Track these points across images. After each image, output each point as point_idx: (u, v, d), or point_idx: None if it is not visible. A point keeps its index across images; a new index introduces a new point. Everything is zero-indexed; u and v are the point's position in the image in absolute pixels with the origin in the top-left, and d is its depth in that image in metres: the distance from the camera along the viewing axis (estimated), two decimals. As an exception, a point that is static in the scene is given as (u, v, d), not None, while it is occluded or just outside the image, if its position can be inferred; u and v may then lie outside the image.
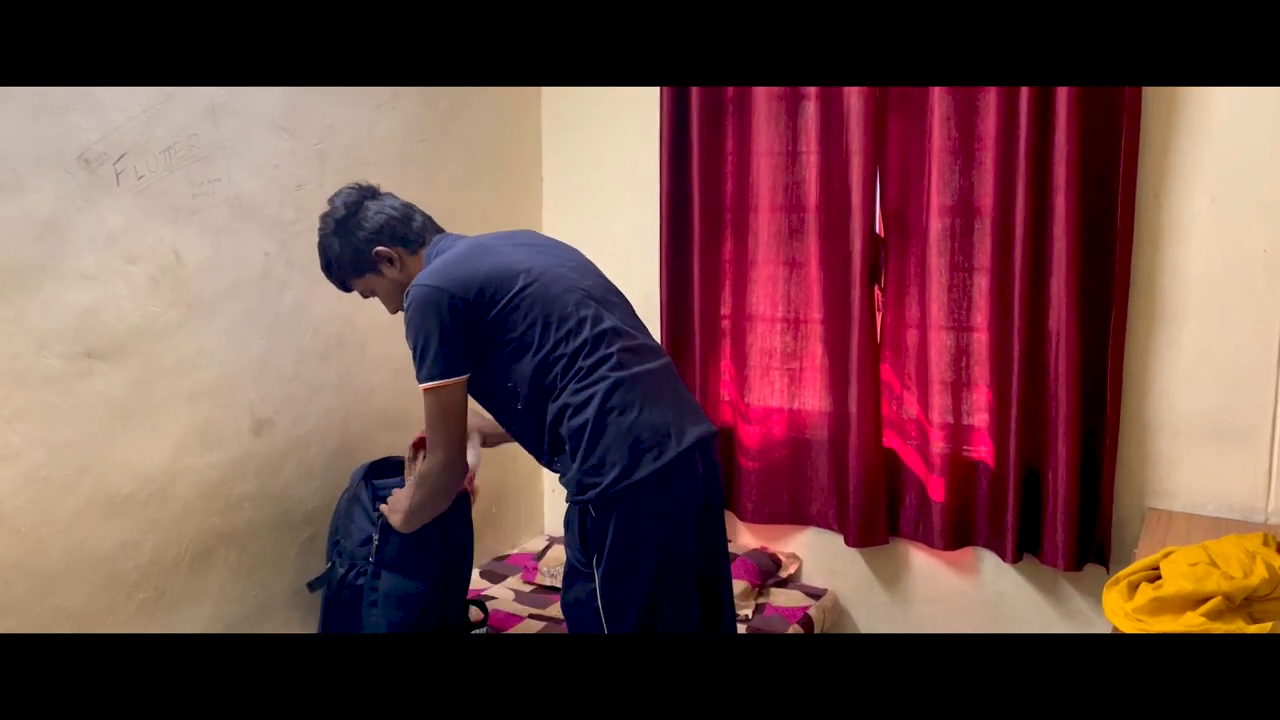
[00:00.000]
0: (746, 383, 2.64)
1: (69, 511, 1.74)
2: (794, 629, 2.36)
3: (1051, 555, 2.27)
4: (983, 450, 2.38)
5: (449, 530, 2.06)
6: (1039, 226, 2.20)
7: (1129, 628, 1.57)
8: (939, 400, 2.40)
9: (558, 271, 1.76)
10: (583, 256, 1.87)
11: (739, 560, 2.51)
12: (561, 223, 2.85)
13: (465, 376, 1.72)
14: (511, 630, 2.34)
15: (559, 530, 2.92)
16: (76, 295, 1.72)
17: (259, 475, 2.09)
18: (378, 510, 2.07)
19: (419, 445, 2.04)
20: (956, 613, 2.51)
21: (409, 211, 1.87)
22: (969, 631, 2.49)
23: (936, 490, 2.42)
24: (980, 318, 2.33)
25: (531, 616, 2.40)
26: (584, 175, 2.85)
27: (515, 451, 2.89)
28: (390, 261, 1.84)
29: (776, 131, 2.52)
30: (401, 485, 2.08)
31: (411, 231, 1.84)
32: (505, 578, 2.65)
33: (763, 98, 2.51)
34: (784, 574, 2.62)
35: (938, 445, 2.41)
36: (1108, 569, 2.26)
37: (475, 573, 2.55)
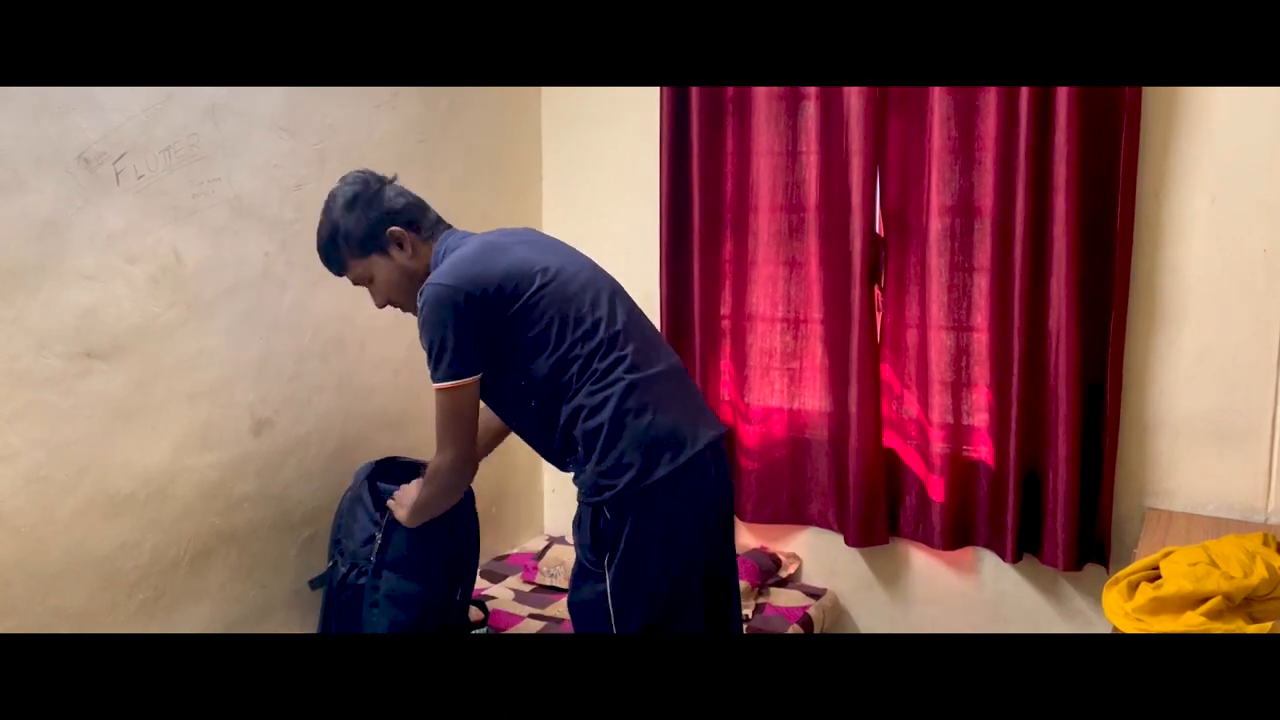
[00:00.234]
0: (746, 382, 2.64)
1: (69, 511, 1.74)
2: (794, 629, 2.36)
3: (1051, 555, 2.27)
4: (983, 450, 2.38)
5: (455, 531, 2.06)
6: (1039, 226, 2.20)
7: (1129, 627, 1.57)
8: (939, 400, 2.40)
9: (571, 271, 1.75)
10: (586, 256, 1.87)
11: (739, 560, 2.50)
12: (561, 223, 2.85)
13: (478, 376, 1.70)
14: (511, 630, 2.34)
15: (559, 530, 2.93)
16: (76, 295, 1.72)
17: (259, 475, 2.09)
18: (380, 510, 2.07)
19: None
20: (956, 613, 2.51)
21: (424, 203, 1.86)
22: (969, 631, 2.49)
23: (936, 490, 2.42)
24: (980, 318, 2.33)
25: (531, 616, 2.40)
26: (584, 175, 2.85)
27: (515, 452, 2.90)
28: (401, 246, 1.79)
29: (776, 131, 2.52)
30: None
31: (426, 221, 1.83)
32: (505, 577, 2.65)
33: (763, 98, 2.51)
34: (784, 574, 2.62)
35: (938, 445, 2.41)
36: (1108, 569, 2.26)
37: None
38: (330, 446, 2.25)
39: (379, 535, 2.03)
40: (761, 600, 2.48)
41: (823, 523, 2.61)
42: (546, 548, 2.68)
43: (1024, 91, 2.16)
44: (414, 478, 2.14)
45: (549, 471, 3.02)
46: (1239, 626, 1.50)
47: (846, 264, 2.42)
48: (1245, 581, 1.53)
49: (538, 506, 3.04)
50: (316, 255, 2.19)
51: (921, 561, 2.54)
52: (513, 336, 1.70)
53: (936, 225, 2.34)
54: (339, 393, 2.27)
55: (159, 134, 1.83)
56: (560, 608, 2.45)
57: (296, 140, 2.12)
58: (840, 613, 2.63)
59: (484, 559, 2.70)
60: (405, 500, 1.94)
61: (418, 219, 1.81)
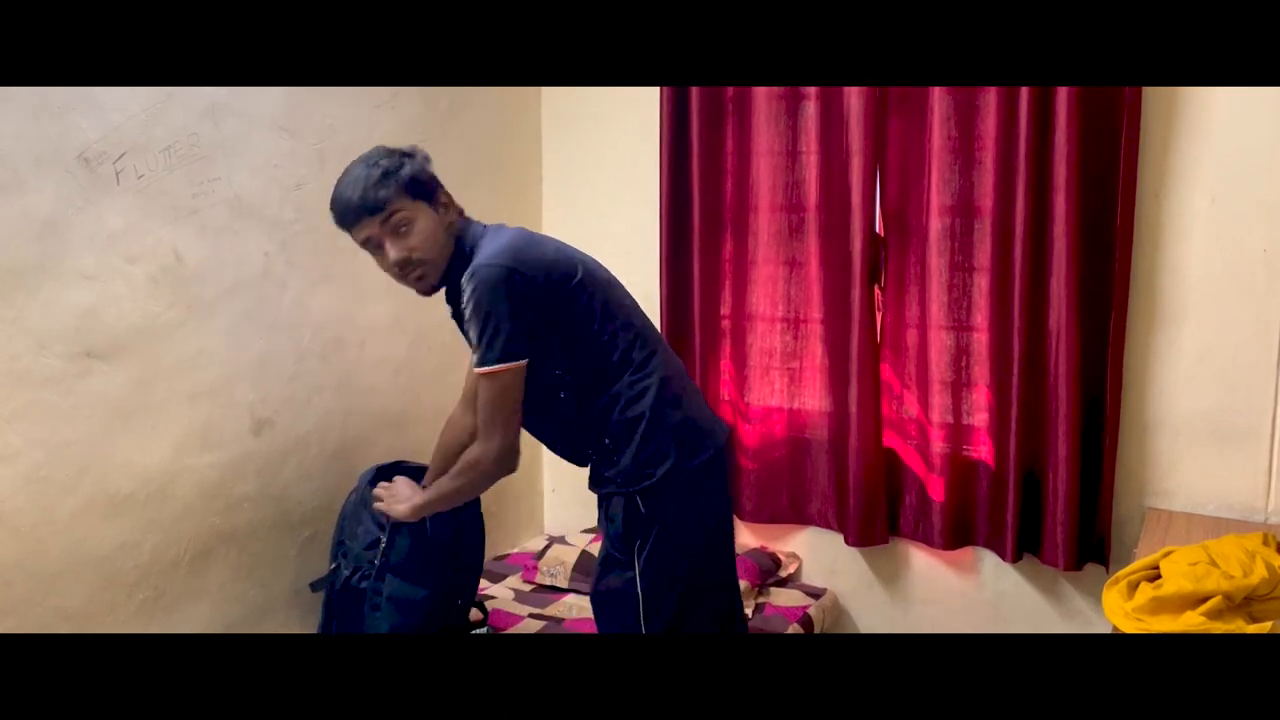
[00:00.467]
0: (746, 382, 2.64)
1: (69, 511, 1.74)
2: (794, 628, 2.36)
3: (1051, 555, 2.27)
4: (983, 450, 2.38)
5: (461, 535, 2.06)
6: (1039, 226, 2.20)
7: (1129, 627, 1.57)
8: (939, 400, 2.40)
9: (593, 263, 1.80)
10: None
11: (739, 559, 2.50)
12: (561, 223, 2.85)
13: (525, 362, 1.67)
14: (511, 630, 2.33)
15: (559, 530, 2.93)
16: (76, 295, 1.72)
17: (259, 475, 2.09)
18: (385, 513, 2.06)
19: None
20: (956, 612, 2.51)
21: None
22: (969, 631, 2.49)
23: (936, 490, 2.42)
24: (980, 317, 2.33)
25: (531, 616, 2.40)
26: (584, 175, 2.85)
27: (515, 451, 2.90)
28: (446, 207, 1.74)
29: (776, 131, 2.52)
30: None
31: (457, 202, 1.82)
32: (505, 577, 2.65)
33: (763, 97, 2.51)
34: (784, 573, 2.62)
35: (938, 445, 2.41)
36: (1107, 568, 2.26)
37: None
38: (330, 446, 2.25)
39: (383, 539, 2.03)
40: (761, 600, 2.47)
41: (823, 522, 2.61)
42: (546, 547, 2.68)
43: (1024, 91, 2.16)
44: (419, 482, 2.14)
45: (549, 471, 3.02)
46: (1239, 626, 1.50)
47: (846, 264, 2.42)
48: (1245, 581, 1.53)
49: (538, 506, 3.04)
50: (314, 254, 2.19)
51: (921, 561, 2.54)
52: (560, 322, 1.70)
53: (936, 225, 2.34)
54: (339, 393, 2.27)
55: (159, 134, 1.83)
56: (560, 607, 2.46)
57: (296, 140, 2.12)
58: (840, 612, 2.63)
59: (484, 559, 2.70)
60: (402, 495, 1.92)
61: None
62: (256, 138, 2.03)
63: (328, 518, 2.20)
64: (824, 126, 2.45)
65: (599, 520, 1.84)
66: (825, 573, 2.66)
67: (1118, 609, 1.61)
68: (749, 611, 2.39)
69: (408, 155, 1.71)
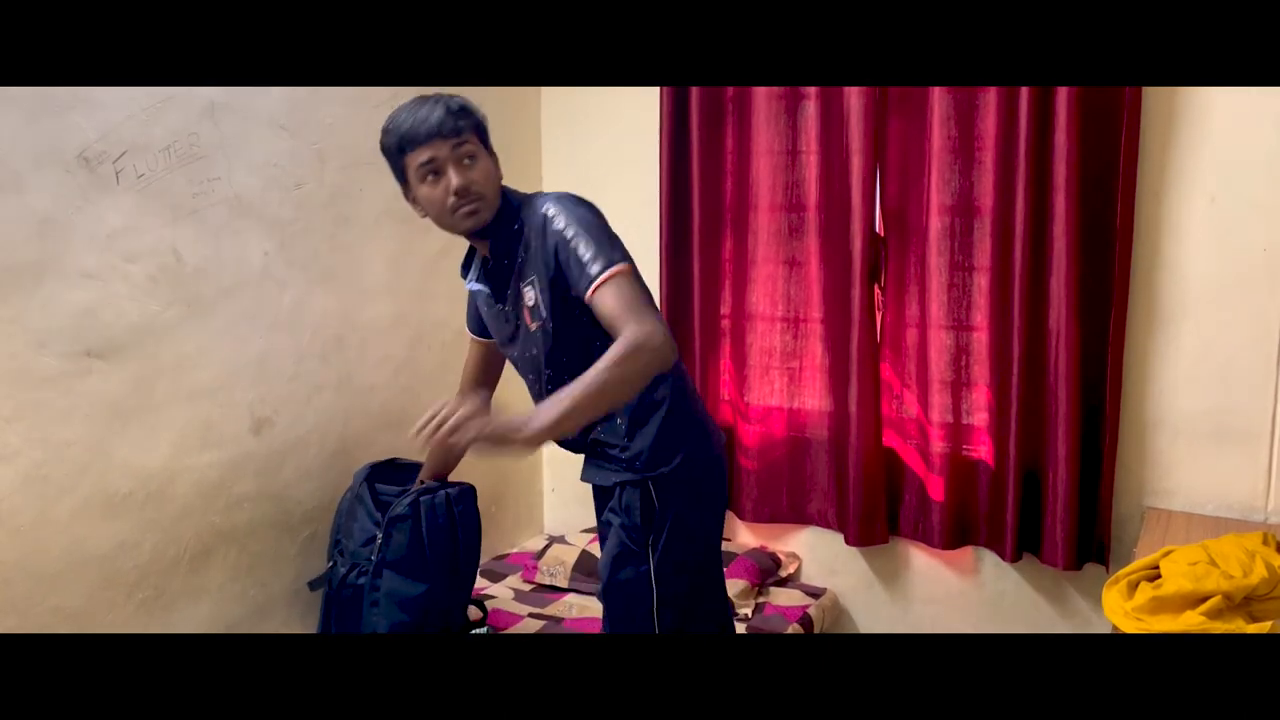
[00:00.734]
0: (746, 382, 2.64)
1: (68, 511, 1.74)
2: (793, 628, 2.36)
3: (1051, 554, 2.27)
4: (982, 449, 2.38)
5: (456, 530, 2.06)
6: (1039, 226, 2.20)
7: (1129, 627, 1.57)
8: (939, 399, 2.40)
9: None
10: None
11: (739, 559, 2.51)
12: (561, 222, 2.84)
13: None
14: (511, 629, 2.33)
15: (558, 530, 2.93)
16: (76, 294, 1.72)
17: (258, 475, 2.09)
18: (380, 510, 2.07)
19: None
20: (956, 612, 2.51)
21: None
22: (969, 631, 2.49)
23: (936, 489, 2.42)
24: (980, 317, 2.33)
25: (531, 616, 2.40)
26: (584, 175, 2.85)
27: (515, 451, 2.90)
28: (498, 163, 1.70)
29: (776, 131, 2.52)
30: (404, 491, 2.09)
31: None
32: (505, 577, 2.65)
33: (762, 97, 2.51)
34: (784, 573, 2.62)
35: (937, 444, 2.41)
36: (1107, 568, 2.26)
37: (475, 572, 2.55)
38: (330, 446, 2.25)
39: (379, 535, 2.03)
40: (761, 600, 2.47)
41: (822, 522, 2.61)
42: (546, 547, 2.68)
43: (1024, 91, 2.16)
44: (414, 479, 2.14)
45: (549, 471, 3.02)
46: (1239, 626, 1.50)
47: (846, 263, 2.42)
48: (1245, 581, 1.53)
49: (537, 506, 3.04)
50: (314, 253, 2.19)
51: (921, 561, 2.54)
52: None
53: (936, 225, 2.34)
54: (339, 392, 2.27)
55: (159, 133, 1.83)
56: (560, 607, 2.46)
57: (296, 140, 2.12)
58: (840, 612, 2.63)
59: (483, 558, 2.70)
60: (495, 420, 1.43)
61: None
62: (256, 137, 2.03)
63: (327, 517, 2.20)
64: (824, 126, 2.45)
65: (602, 514, 1.82)
66: (825, 572, 2.66)
67: (1117, 609, 1.61)
68: (749, 611, 2.39)
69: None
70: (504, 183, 1.71)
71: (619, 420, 1.71)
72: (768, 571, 2.55)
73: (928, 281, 2.37)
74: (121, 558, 1.83)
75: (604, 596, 1.78)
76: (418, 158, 1.62)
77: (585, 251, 1.55)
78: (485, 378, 2.03)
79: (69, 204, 1.70)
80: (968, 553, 2.48)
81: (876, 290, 2.45)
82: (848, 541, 2.53)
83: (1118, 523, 2.26)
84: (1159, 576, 1.63)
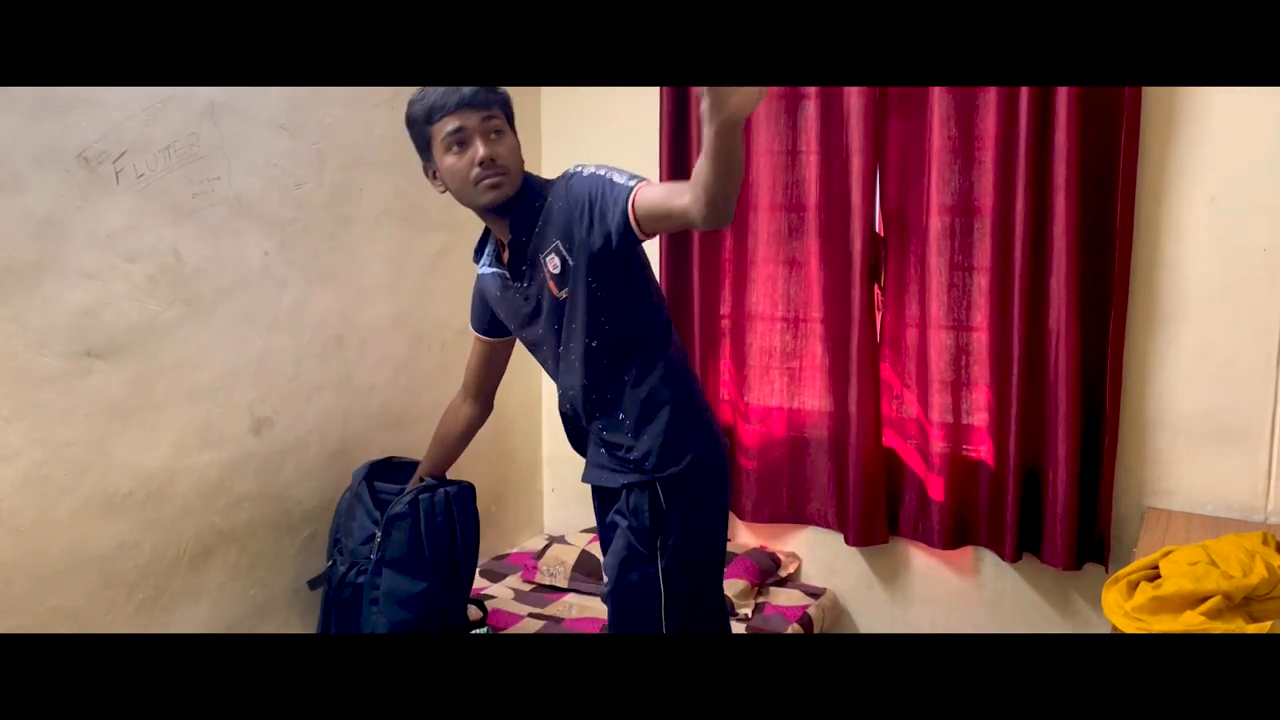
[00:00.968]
0: (746, 382, 2.64)
1: (68, 511, 1.74)
2: (793, 628, 2.36)
3: (1051, 554, 2.27)
4: (982, 449, 2.38)
5: (455, 529, 2.06)
6: (1039, 226, 2.20)
7: (1128, 627, 1.57)
8: (939, 399, 2.40)
9: None
10: None
11: (739, 559, 2.51)
12: (561, 222, 2.84)
13: None
14: (511, 629, 2.34)
15: (558, 530, 2.93)
16: (76, 294, 1.72)
17: (258, 474, 2.09)
18: (379, 509, 2.07)
19: None
20: (956, 612, 2.51)
21: None
22: (969, 631, 2.49)
23: (936, 489, 2.42)
24: (980, 317, 2.33)
25: (531, 616, 2.40)
26: (584, 174, 2.85)
27: (515, 451, 2.90)
28: (520, 147, 1.72)
29: (776, 130, 2.52)
30: (403, 489, 2.09)
31: None
32: (505, 577, 2.65)
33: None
34: (783, 573, 2.62)
35: (937, 444, 2.42)
36: (1107, 568, 2.26)
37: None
38: (330, 445, 2.25)
39: (378, 534, 2.04)
40: (761, 600, 2.48)
41: (822, 522, 2.61)
42: (546, 547, 2.68)
43: (1024, 91, 2.16)
44: (412, 477, 2.15)
45: (548, 471, 3.03)
46: (1238, 626, 1.51)
47: (846, 263, 2.42)
48: (1245, 581, 1.53)
49: (537, 506, 3.04)
50: (314, 253, 2.19)
51: (921, 561, 2.54)
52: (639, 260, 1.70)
53: (936, 225, 2.34)
54: (339, 392, 2.27)
55: (159, 133, 1.83)
56: (560, 607, 2.46)
57: (296, 140, 2.12)
58: (840, 612, 2.63)
59: (483, 558, 2.70)
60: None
61: None
62: (256, 137, 2.03)
63: (327, 517, 2.20)
64: (824, 126, 2.45)
65: (606, 516, 1.81)
66: (825, 572, 2.66)
67: (1117, 609, 1.61)
68: (748, 611, 2.39)
69: None
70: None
71: (623, 418, 1.70)
72: (767, 571, 2.55)
73: (928, 281, 2.37)
74: (121, 558, 1.83)
75: (611, 599, 1.77)
76: (445, 126, 1.63)
77: (619, 178, 1.58)
78: (488, 376, 2.02)
79: (69, 204, 1.70)
80: (967, 553, 2.48)
81: (876, 290, 2.45)
82: (847, 541, 2.53)
83: (1117, 523, 2.26)
84: (1159, 576, 1.64)
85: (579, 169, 1.65)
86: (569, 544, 2.65)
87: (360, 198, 2.29)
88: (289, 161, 2.10)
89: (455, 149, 1.63)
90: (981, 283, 2.32)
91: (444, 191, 1.71)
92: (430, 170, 1.71)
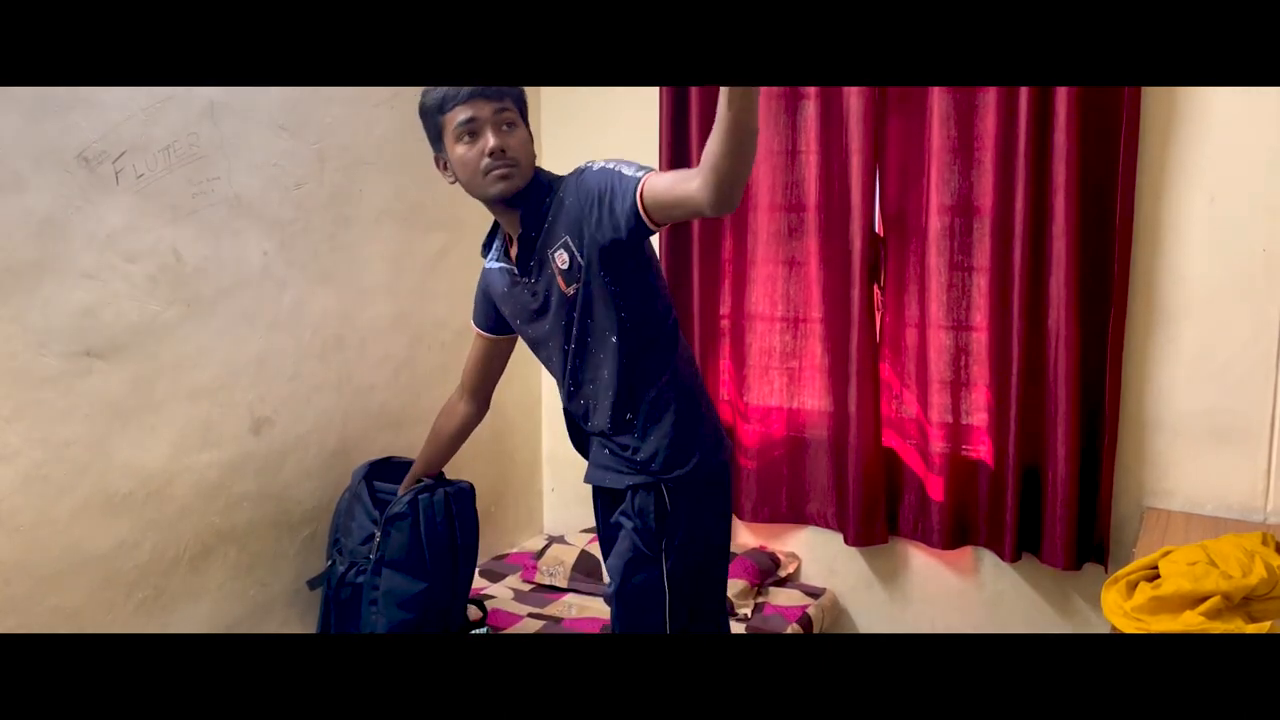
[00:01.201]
0: (745, 382, 2.64)
1: (68, 511, 1.74)
2: (793, 628, 2.36)
3: (1050, 554, 2.27)
4: (982, 449, 2.39)
5: (455, 529, 2.06)
6: (1038, 226, 2.20)
7: (1128, 627, 1.57)
8: (938, 399, 2.40)
9: None
10: None
11: (738, 559, 2.51)
12: (561, 222, 2.84)
13: None
14: (510, 629, 2.34)
15: (558, 529, 2.93)
16: (75, 294, 1.72)
17: (258, 474, 2.09)
18: (379, 508, 2.07)
19: None
20: (956, 612, 2.51)
21: None
22: (968, 631, 2.49)
23: (936, 489, 2.42)
24: (979, 317, 2.34)
25: (531, 616, 2.41)
26: (583, 174, 2.85)
27: (515, 451, 2.90)
28: (533, 140, 1.73)
29: (776, 130, 2.52)
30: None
31: None
32: (504, 577, 2.65)
33: (762, 97, 2.51)
34: (783, 573, 2.62)
35: (937, 444, 2.42)
36: (1106, 568, 2.26)
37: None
38: (330, 445, 2.25)
39: (378, 533, 2.04)
40: (761, 599, 2.48)
41: (822, 522, 2.61)
42: (546, 547, 2.68)
43: (1024, 91, 2.16)
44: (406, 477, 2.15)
45: (548, 471, 3.03)
46: (1238, 626, 1.51)
47: (846, 263, 2.42)
48: (1244, 581, 1.53)
49: (537, 506, 3.04)
50: (314, 253, 2.19)
51: (921, 561, 2.54)
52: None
53: (936, 225, 2.34)
54: (338, 392, 2.27)
55: (158, 133, 1.83)
56: (559, 607, 2.46)
57: (296, 139, 2.12)
58: (839, 612, 2.63)
59: (483, 558, 2.70)
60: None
61: None
62: (256, 137, 2.03)
63: (327, 516, 2.20)
64: (824, 126, 2.45)
65: (609, 517, 1.80)
66: (824, 572, 2.66)
67: (1116, 609, 1.61)
68: (748, 611, 2.39)
69: None
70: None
71: (631, 418, 1.70)
72: (767, 571, 2.55)
73: (927, 281, 2.37)
74: (121, 558, 1.83)
75: (615, 600, 1.76)
76: (457, 116, 1.63)
77: (628, 170, 1.57)
78: (487, 374, 2.02)
79: (69, 204, 1.70)
80: (967, 553, 2.48)
81: (876, 290, 2.45)
82: (847, 541, 2.53)
83: (1117, 523, 2.26)
84: (1158, 577, 1.64)
85: (589, 164, 1.65)
86: (569, 544, 2.66)
87: (360, 198, 2.29)
88: (289, 161, 2.10)
89: (466, 139, 1.63)
90: (981, 283, 2.32)
91: (454, 182, 1.70)
92: (441, 161, 1.71)
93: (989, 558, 2.44)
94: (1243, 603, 1.54)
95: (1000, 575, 2.44)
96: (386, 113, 2.34)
